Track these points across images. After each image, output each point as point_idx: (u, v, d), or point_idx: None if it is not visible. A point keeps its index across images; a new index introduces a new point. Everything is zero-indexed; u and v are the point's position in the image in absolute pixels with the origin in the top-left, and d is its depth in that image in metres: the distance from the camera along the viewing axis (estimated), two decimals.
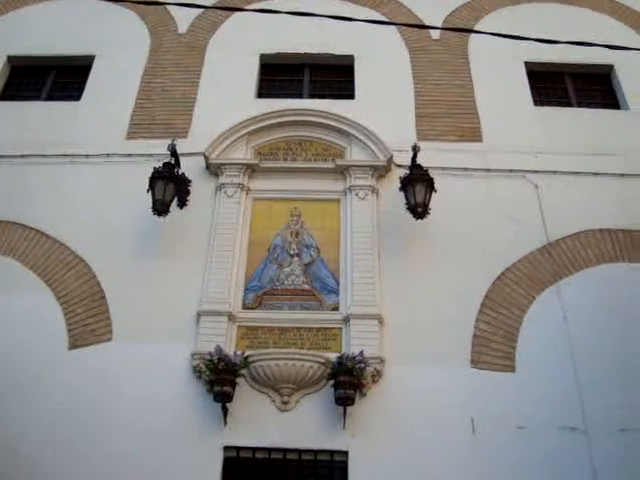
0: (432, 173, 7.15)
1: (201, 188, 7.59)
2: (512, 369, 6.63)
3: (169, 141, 7.34)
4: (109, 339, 6.81)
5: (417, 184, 7.00)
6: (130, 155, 8.02)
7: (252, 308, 6.88)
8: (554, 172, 7.83)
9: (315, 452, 6.28)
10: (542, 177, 7.80)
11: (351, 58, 9.11)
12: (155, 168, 7.10)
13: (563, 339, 6.78)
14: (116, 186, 7.78)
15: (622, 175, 7.84)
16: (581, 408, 6.46)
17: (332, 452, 6.27)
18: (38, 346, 6.78)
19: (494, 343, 6.73)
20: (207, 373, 6.27)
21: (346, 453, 6.24)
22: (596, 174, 7.83)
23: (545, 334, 6.78)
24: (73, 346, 6.81)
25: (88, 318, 6.92)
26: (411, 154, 7.28)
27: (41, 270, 7.25)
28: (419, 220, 7.04)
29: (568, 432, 6.37)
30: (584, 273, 7.16)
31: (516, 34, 6.07)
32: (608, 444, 6.29)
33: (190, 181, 7.40)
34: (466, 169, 7.87)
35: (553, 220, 7.44)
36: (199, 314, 6.74)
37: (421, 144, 7.43)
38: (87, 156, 8.03)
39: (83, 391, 6.54)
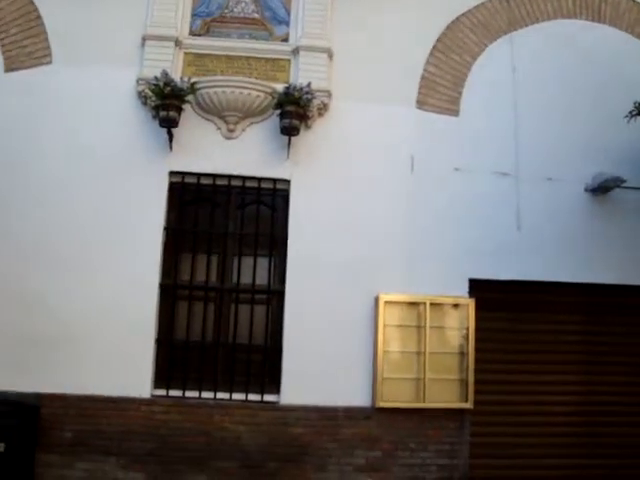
0: None
1: None
2: (456, 113, 6.78)
3: None
4: (49, 62, 6.53)
5: None
6: None
7: (199, 35, 6.64)
8: None
9: (259, 179, 6.51)
10: None
11: None
12: None
13: (509, 89, 6.90)
14: None
15: None
16: (515, 156, 6.79)
17: (275, 180, 6.51)
18: None
19: (441, 87, 6.79)
20: (153, 98, 6.18)
21: (288, 182, 6.50)
22: None
23: (492, 83, 6.86)
24: (9, 69, 6.52)
25: (24, 40, 6.55)
26: None
27: None
28: None
29: (500, 177, 6.75)
30: (540, 26, 7.07)
31: None
32: (534, 190, 6.74)
33: None
34: None
35: None
36: (144, 38, 6.46)
37: None
38: None
39: (22, 116, 6.41)
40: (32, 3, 6.58)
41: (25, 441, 5.74)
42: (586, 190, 6.75)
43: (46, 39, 6.55)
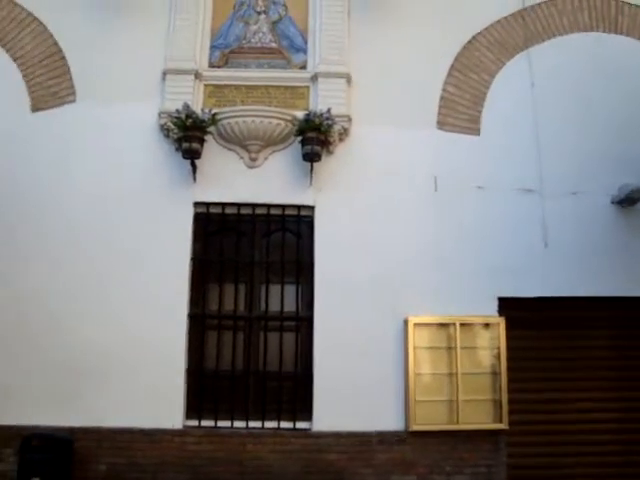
0: None
1: None
2: (477, 132, 6.77)
3: None
4: (73, 101, 6.69)
5: None
6: None
7: (218, 66, 6.74)
8: None
9: (283, 207, 6.55)
10: None
11: None
12: None
13: (528, 105, 6.87)
14: None
15: None
16: (538, 172, 6.74)
17: (299, 207, 6.54)
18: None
19: (461, 106, 6.79)
20: (175, 131, 6.28)
21: (312, 208, 6.53)
22: None
23: (511, 100, 6.84)
24: (36, 109, 6.68)
25: (49, 80, 6.73)
26: None
27: None
28: None
29: (524, 193, 6.71)
30: (556, 41, 7.05)
31: None
32: (560, 205, 6.67)
33: None
34: None
35: None
36: (164, 72, 6.59)
37: None
38: None
39: (48, 155, 6.57)
40: (56, 44, 6.76)
41: (59, 475, 5.77)
42: (612, 202, 6.67)
43: (70, 79, 6.71)
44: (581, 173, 6.75)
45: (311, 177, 6.44)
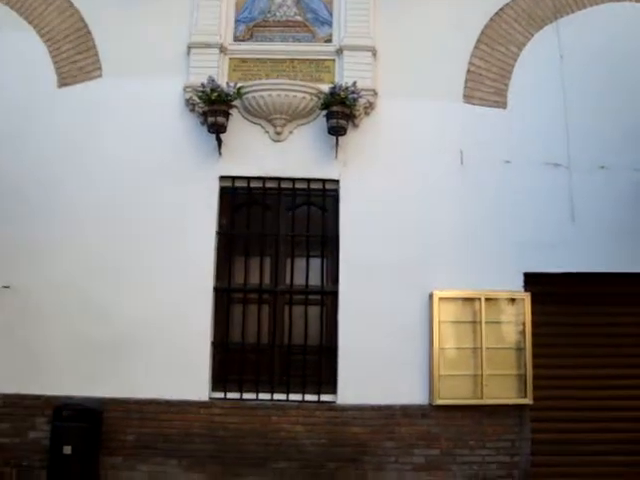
0: None
1: None
2: (504, 105, 6.68)
3: None
4: (99, 75, 6.72)
5: None
6: None
7: (243, 40, 6.72)
8: None
9: (308, 180, 6.54)
10: None
11: None
12: None
13: (557, 78, 6.75)
14: None
15: None
16: (566, 146, 6.65)
17: (324, 180, 6.53)
18: (26, 87, 6.70)
19: (487, 79, 6.69)
20: (200, 105, 6.29)
21: (338, 182, 6.51)
22: None
23: (539, 72, 6.73)
24: (62, 84, 6.73)
25: (75, 55, 6.76)
26: None
27: (19, 6, 6.89)
28: None
29: (552, 168, 6.62)
30: (586, 12, 6.89)
31: None
32: (588, 180, 6.58)
33: None
34: None
35: None
36: (189, 47, 6.58)
37: None
38: None
39: (76, 129, 6.61)
40: (82, 20, 6.78)
41: (90, 444, 5.91)
42: None
43: (96, 54, 6.74)
44: (609, 148, 6.63)
45: (336, 151, 6.42)
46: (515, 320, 6.30)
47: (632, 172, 6.57)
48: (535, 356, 6.23)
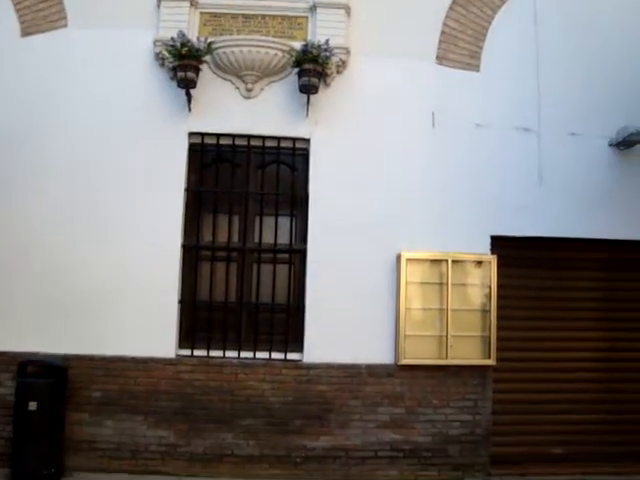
0: None
1: None
2: (477, 68, 6.66)
3: None
4: (64, 25, 6.49)
5: None
6: None
7: None
8: None
9: (278, 139, 6.48)
10: None
11: None
12: None
13: (531, 43, 6.74)
14: None
15: None
16: (537, 111, 6.68)
17: (295, 139, 6.48)
18: None
19: (462, 41, 6.65)
20: (170, 59, 6.14)
21: (308, 141, 6.46)
22: None
23: (513, 36, 6.71)
24: (26, 33, 6.49)
25: (39, 3, 6.50)
26: None
27: None
28: None
29: (522, 132, 6.66)
30: None
31: None
32: (557, 146, 6.64)
33: None
34: None
35: None
36: None
37: None
38: None
39: (41, 81, 6.41)
40: None
41: (55, 400, 5.87)
42: (610, 145, 6.64)
43: (61, 2, 6.50)
44: (580, 115, 6.69)
45: (307, 109, 6.35)
46: (481, 282, 6.38)
47: (601, 139, 6.65)
48: (500, 318, 6.34)
